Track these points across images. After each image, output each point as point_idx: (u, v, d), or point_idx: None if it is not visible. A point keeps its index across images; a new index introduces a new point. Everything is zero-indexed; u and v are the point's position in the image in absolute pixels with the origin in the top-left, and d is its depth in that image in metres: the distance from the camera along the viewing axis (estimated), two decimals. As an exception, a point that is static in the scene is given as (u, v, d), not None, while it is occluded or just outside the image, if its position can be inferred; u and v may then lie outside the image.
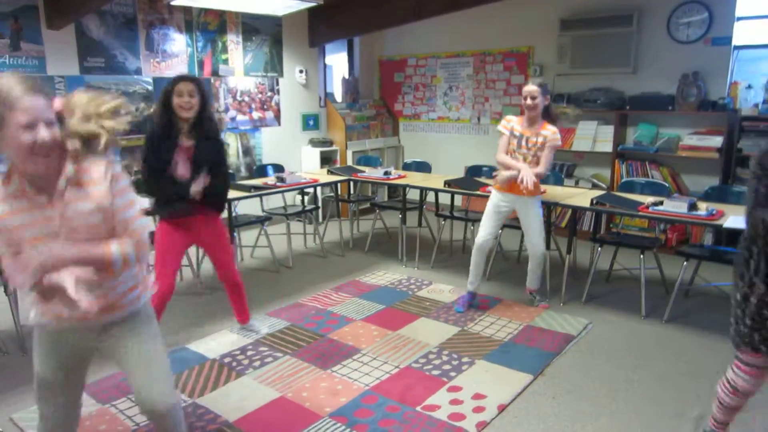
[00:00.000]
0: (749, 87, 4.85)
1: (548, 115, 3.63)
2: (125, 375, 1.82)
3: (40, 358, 1.78)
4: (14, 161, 1.53)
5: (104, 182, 1.60)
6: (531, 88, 3.53)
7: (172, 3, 4.16)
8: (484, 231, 3.82)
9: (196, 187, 2.94)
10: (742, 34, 4.88)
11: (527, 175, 3.47)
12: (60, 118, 1.55)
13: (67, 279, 1.49)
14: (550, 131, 3.58)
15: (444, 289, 4.26)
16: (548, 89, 3.66)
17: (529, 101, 3.53)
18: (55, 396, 1.80)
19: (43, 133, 1.46)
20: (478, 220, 4.61)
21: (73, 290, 1.48)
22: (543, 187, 4.27)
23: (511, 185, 3.65)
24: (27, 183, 1.55)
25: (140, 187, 2.93)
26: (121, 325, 1.77)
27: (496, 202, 3.77)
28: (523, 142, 3.61)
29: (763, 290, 1.97)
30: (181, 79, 2.92)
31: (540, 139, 3.58)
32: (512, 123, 3.67)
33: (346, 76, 7.24)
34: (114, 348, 1.78)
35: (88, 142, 1.58)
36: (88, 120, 1.57)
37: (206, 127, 2.98)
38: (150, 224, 1.55)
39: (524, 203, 3.72)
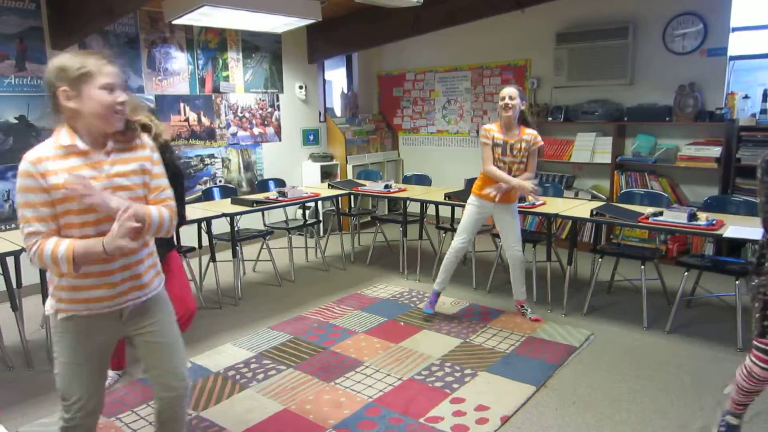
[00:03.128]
0: (746, 97, 4.89)
1: (524, 120, 3.69)
2: (145, 358, 1.90)
3: (66, 350, 1.79)
4: (79, 120, 1.66)
5: (150, 149, 1.81)
6: (510, 89, 3.57)
7: (173, 22, 4.22)
8: (466, 236, 3.85)
9: None
10: (737, 44, 4.93)
11: (527, 186, 3.56)
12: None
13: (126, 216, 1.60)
14: (531, 135, 3.64)
15: (446, 301, 4.27)
16: (524, 95, 3.70)
17: (507, 100, 3.54)
18: (81, 382, 1.82)
19: (122, 96, 1.66)
20: (479, 232, 4.64)
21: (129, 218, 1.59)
22: (542, 198, 4.30)
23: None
24: (79, 141, 1.67)
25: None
26: (143, 309, 1.85)
27: (477, 209, 3.80)
28: (508, 150, 3.64)
29: None
30: None
31: (524, 144, 3.63)
32: (492, 132, 3.68)
33: (345, 91, 7.30)
34: (138, 333, 1.87)
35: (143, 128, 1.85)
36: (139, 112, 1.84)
37: None
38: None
39: (503, 210, 3.76)
